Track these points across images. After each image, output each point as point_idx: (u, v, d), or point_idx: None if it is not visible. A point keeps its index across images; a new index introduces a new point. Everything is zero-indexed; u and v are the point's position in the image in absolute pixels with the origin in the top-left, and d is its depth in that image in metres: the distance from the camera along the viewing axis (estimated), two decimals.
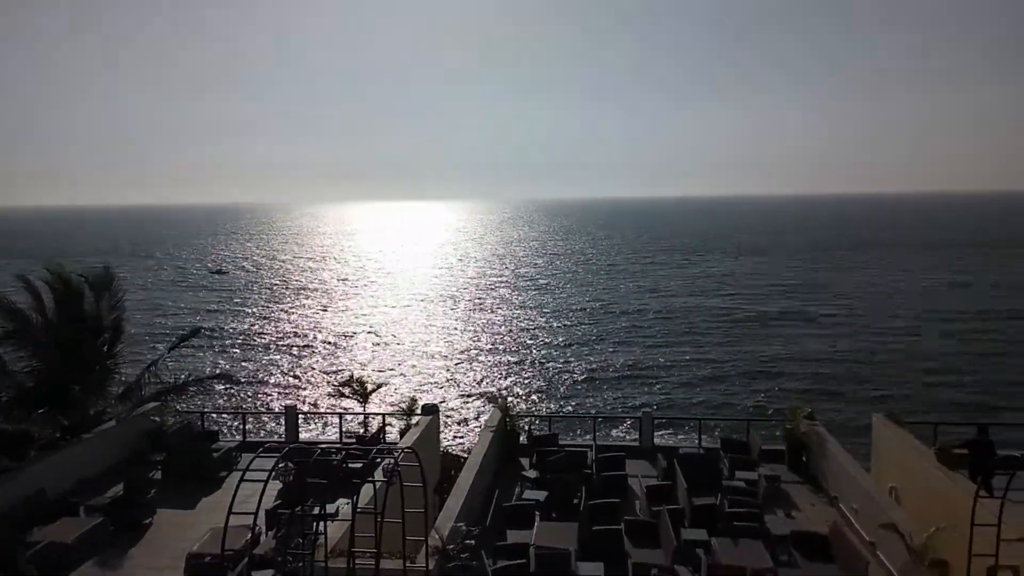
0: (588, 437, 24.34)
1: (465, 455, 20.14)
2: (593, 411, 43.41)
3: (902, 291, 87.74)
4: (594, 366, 54.63)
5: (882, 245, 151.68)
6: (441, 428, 23.58)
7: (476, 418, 41.23)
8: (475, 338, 65.83)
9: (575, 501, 15.38)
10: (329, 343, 64.56)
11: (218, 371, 44.06)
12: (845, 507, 15.55)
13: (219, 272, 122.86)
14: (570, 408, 44.99)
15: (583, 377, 51.84)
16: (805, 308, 76.88)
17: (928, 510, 13.80)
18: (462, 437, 38.45)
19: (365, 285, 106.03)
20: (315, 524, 10.84)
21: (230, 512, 9.88)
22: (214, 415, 35.90)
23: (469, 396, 47.38)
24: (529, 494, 16.09)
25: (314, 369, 55.32)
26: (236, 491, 9.97)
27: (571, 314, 77.06)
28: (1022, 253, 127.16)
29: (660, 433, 33.41)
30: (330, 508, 12.32)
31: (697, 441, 22.32)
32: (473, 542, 11.89)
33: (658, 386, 49.07)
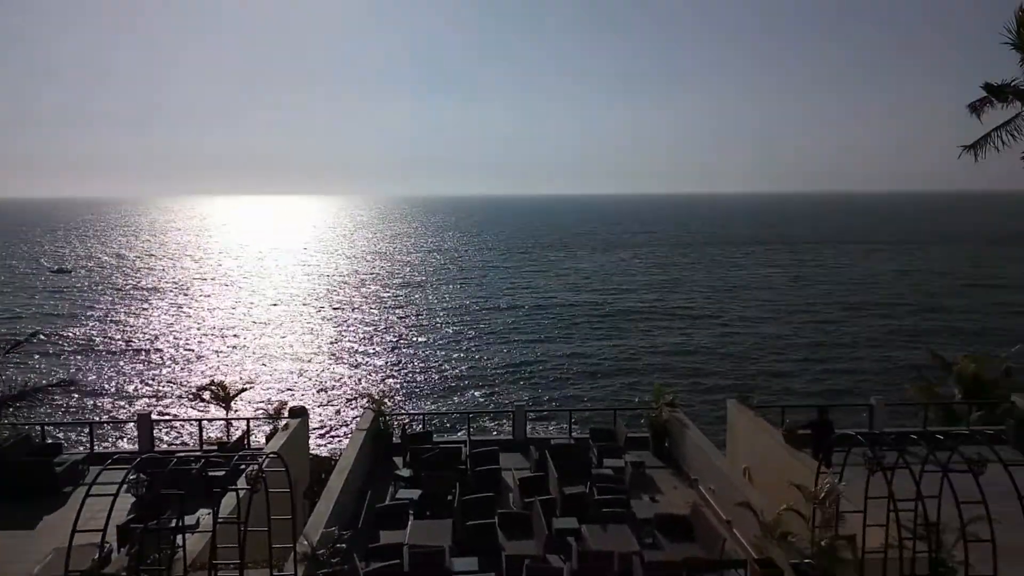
0: (462, 433, 24.41)
1: (337, 458, 19.64)
2: (467, 407, 43.63)
3: (749, 285, 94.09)
4: (468, 362, 54.92)
5: (724, 243, 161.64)
6: (312, 431, 22.86)
7: (349, 420, 40.34)
8: (347, 338, 64.37)
9: (449, 498, 15.37)
10: (186, 346, 60.93)
11: (60, 378, 40.54)
12: (704, 488, 16.49)
13: (61, 271, 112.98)
14: (445, 405, 44.96)
15: (458, 374, 51.97)
16: (664, 302, 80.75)
17: (777, 487, 14.86)
18: (335, 440, 37.49)
19: (226, 284, 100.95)
20: (173, 538, 10.19)
21: (75, 530, 9.11)
22: (57, 426, 33.08)
23: (341, 397, 46.28)
24: (403, 493, 15.92)
25: (170, 374, 52.07)
26: (82, 507, 9.20)
27: (444, 311, 77.03)
28: (852, 250, 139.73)
29: (533, 426, 34.11)
30: (190, 520, 11.61)
31: (568, 432, 22.94)
32: (344, 546, 11.61)
33: (531, 380, 50.02)
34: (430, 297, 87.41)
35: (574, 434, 21.56)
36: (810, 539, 11.53)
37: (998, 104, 24.45)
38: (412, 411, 39.93)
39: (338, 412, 43.37)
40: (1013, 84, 23.39)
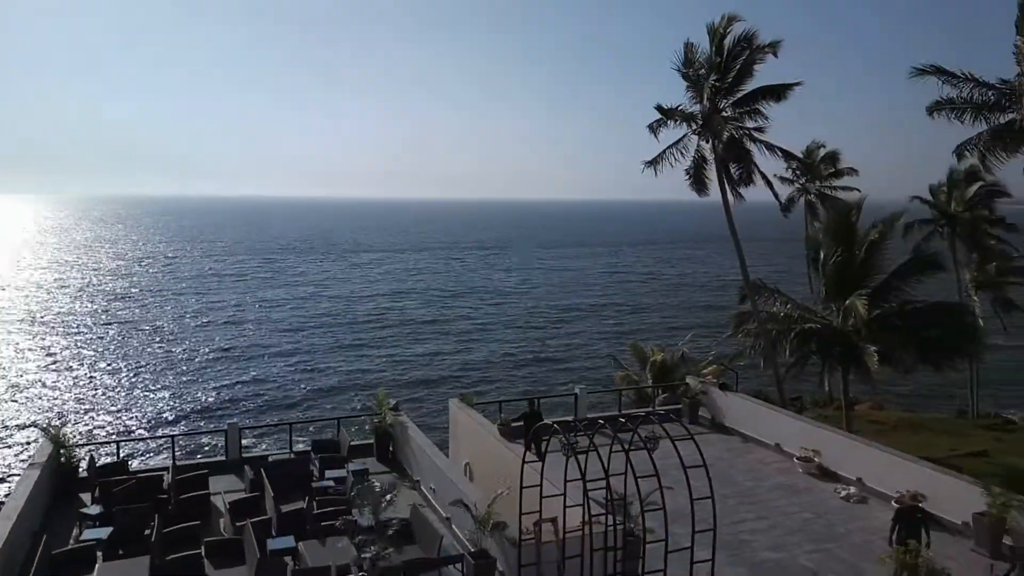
0: (165, 458, 22.14)
1: (2, 502, 16.63)
2: (173, 429, 39.67)
3: (469, 291, 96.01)
4: (175, 381, 50.02)
5: (436, 247, 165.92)
6: None
7: (23, 455, 34.61)
8: (25, 358, 55.28)
9: (147, 532, 13.79)
10: None
11: None
12: (426, 489, 16.73)
13: None
14: (144, 430, 40.48)
15: (161, 395, 47.08)
16: (396, 310, 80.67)
17: (494, 479, 15.57)
18: (4, 482, 31.90)
19: None
20: None
21: None
22: None
23: (9, 428, 39.57)
24: (89, 534, 13.94)
25: None
26: None
27: (149, 325, 69.51)
28: (566, 253, 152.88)
29: (250, 444, 32.08)
30: None
31: (289, 447, 21.88)
32: None
33: (249, 396, 47.04)
34: (132, 310, 78.32)
35: (295, 448, 20.63)
36: (518, 526, 12.20)
37: (672, 124, 28.29)
38: (103, 439, 35.42)
39: (8, 447, 37.03)
40: (679, 108, 27.23)
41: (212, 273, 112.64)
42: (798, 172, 43.27)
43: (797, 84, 27.10)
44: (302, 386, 49.52)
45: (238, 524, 14.09)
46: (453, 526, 14.55)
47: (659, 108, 27.60)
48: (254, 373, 52.35)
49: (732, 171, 27.84)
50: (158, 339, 63.34)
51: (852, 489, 16.93)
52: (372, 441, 19.53)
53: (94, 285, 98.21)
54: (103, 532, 13.85)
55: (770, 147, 27.38)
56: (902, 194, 44.33)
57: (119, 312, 76.73)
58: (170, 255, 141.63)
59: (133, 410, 44.18)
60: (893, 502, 15.16)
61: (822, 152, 44.72)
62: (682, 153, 28.32)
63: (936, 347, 25.95)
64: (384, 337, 65.87)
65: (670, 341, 42.00)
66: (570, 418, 19.58)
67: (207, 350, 59.32)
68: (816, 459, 18.30)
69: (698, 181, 28.47)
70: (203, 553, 12.94)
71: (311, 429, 30.08)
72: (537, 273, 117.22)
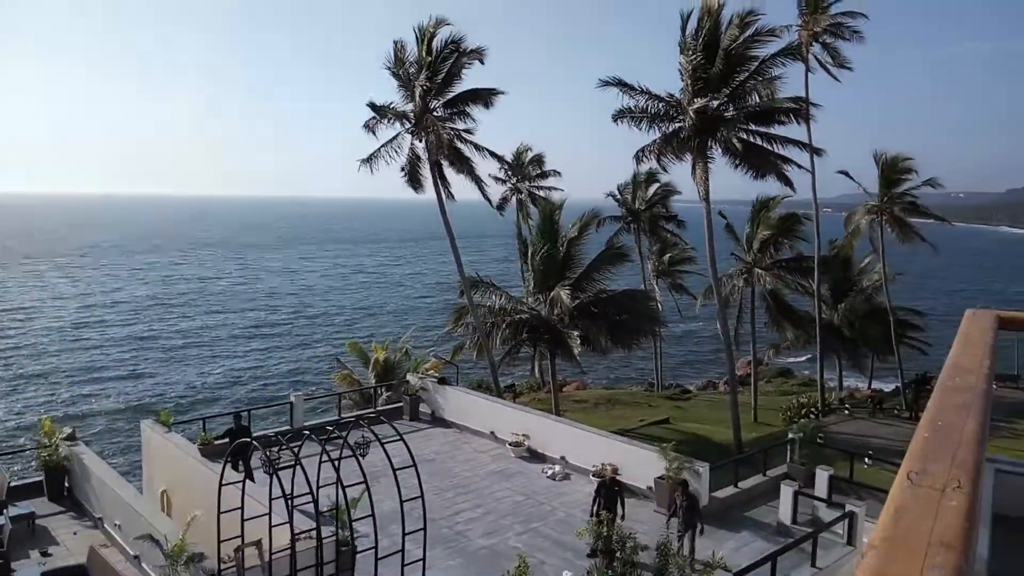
0: None
1: None
2: None
3: (146, 295, 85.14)
4: None
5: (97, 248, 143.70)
6: None
7: None
8: None
9: None
10: None
11: None
12: (110, 526, 14.62)
13: None
14: None
15: None
16: (59, 316, 69.26)
17: (195, 505, 14.03)
18: None
19: None
20: None
21: None
22: None
23: None
24: None
25: None
26: None
27: None
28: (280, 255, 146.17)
29: None
30: None
31: None
32: None
33: None
34: None
35: None
36: (216, 555, 11.09)
37: (386, 123, 28.08)
38: None
39: None
40: (392, 106, 27.19)
41: None
42: (509, 173, 45.84)
43: (502, 92, 28.52)
44: None
45: None
46: (144, 564, 12.86)
47: (372, 105, 27.29)
48: None
49: (445, 170, 28.51)
50: None
51: (557, 468, 18.17)
52: (41, 478, 16.66)
53: None
54: None
55: (478, 148, 28.50)
56: (601, 193, 49.00)
57: None
58: None
59: None
60: (592, 476, 16.53)
61: (530, 155, 47.84)
62: (396, 151, 28.34)
63: (625, 329, 29.04)
64: (56, 349, 55.95)
65: (397, 338, 41.85)
66: (279, 430, 18.51)
67: None
68: (526, 442, 19.37)
69: (413, 179, 28.69)
70: None
71: None
72: (267, 275, 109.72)
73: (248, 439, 12.74)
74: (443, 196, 28.85)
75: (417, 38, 27.27)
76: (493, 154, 29.64)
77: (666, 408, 39.13)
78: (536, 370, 43.21)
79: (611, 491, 14.49)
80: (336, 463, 10.63)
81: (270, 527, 11.28)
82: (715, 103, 25.97)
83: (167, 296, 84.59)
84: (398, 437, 11.10)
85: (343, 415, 22.98)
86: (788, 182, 27.70)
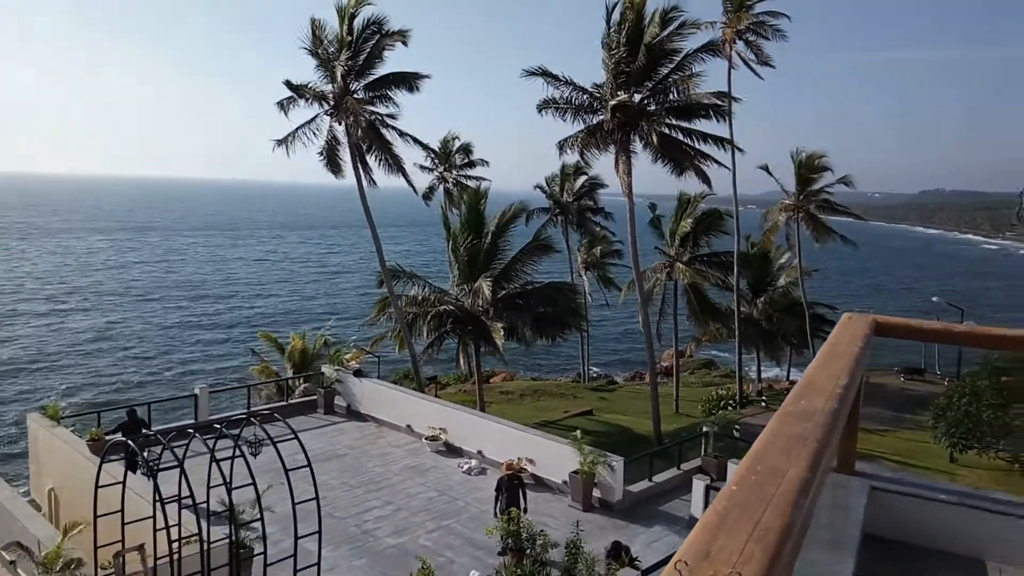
0: None
1: None
2: None
3: (36, 277, 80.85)
4: None
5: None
6: None
7: None
8: None
9: None
10: None
11: None
12: None
13: None
14: None
15: None
16: None
17: (85, 505, 13.12)
18: None
19: None
20: None
21: None
22: None
23: None
24: None
25: None
26: None
27: None
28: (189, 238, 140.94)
29: None
30: None
31: None
32: None
33: None
34: None
35: None
36: (93, 561, 10.33)
37: (303, 103, 27.05)
38: None
39: None
40: (310, 85, 26.19)
41: None
42: (436, 161, 45.06)
43: (426, 76, 27.83)
44: None
45: None
46: (19, 571, 11.91)
47: (288, 84, 26.22)
48: None
49: (365, 155, 27.69)
50: None
51: (473, 462, 17.84)
52: None
53: None
54: None
55: (402, 134, 27.79)
56: (529, 185, 48.73)
57: None
58: None
59: None
60: (503, 468, 16.27)
61: (457, 143, 47.11)
62: (315, 134, 27.37)
63: (550, 322, 28.94)
64: None
65: (319, 328, 40.63)
66: (179, 425, 17.60)
67: None
68: (443, 436, 18.97)
69: (332, 163, 27.75)
70: None
71: None
72: (178, 263, 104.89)
73: (132, 434, 11.92)
74: (363, 181, 28.02)
75: (340, 17, 26.30)
76: (417, 141, 28.96)
77: (591, 399, 39.37)
78: (462, 362, 42.84)
79: (512, 486, 14.28)
80: (231, 462, 10.01)
81: (154, 531, 10.57)
82: (637, 97, 26.00)
83: (61, 283, 79.78)
84: (292, 436, 10.51)
85: (254, 408, 22.05)
86: (705, 178, 27.94)
